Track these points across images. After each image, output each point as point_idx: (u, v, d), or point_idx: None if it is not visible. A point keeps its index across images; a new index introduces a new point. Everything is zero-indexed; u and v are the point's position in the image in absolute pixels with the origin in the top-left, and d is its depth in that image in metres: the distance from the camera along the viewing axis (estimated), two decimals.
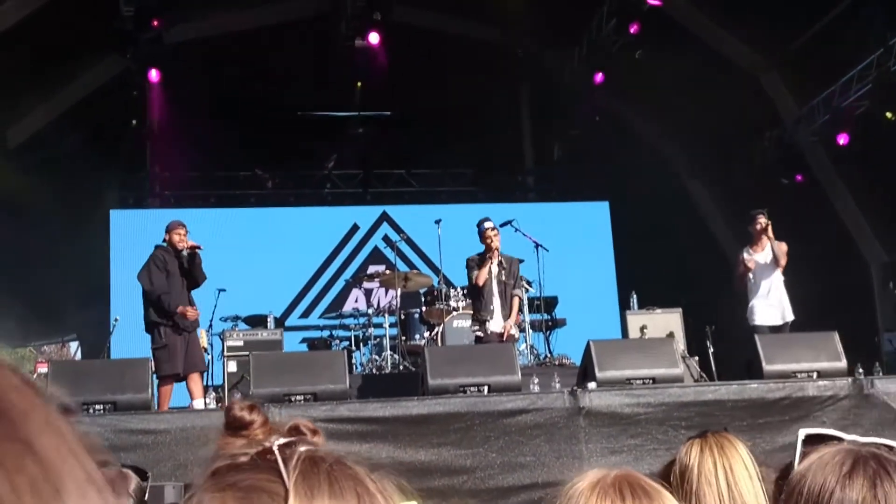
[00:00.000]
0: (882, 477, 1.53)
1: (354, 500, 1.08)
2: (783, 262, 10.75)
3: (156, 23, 14.07)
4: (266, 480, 1.08)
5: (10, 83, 14.17)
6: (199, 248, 10.09)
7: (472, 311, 10.98)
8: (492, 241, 10.51)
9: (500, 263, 10.58)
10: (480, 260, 10.61)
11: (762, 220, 10.79)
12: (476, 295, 10.64)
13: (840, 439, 1.75)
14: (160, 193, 17.43)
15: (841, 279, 14.33)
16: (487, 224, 10.65)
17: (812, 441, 1.76)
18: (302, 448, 1.15)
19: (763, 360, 9.07)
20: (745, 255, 10.92)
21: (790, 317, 10.77)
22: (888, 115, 13.39)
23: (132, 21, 13.73)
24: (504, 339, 10.43)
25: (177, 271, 10.00)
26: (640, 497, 1.53)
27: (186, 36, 15.69)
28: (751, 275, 10.85)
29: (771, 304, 10.81)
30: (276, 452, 1.13)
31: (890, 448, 1.75)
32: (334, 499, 1.07)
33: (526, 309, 12.35)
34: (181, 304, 9.88)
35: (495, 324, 10.49)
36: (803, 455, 1.73)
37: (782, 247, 10.75)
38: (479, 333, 10.51)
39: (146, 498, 3.17)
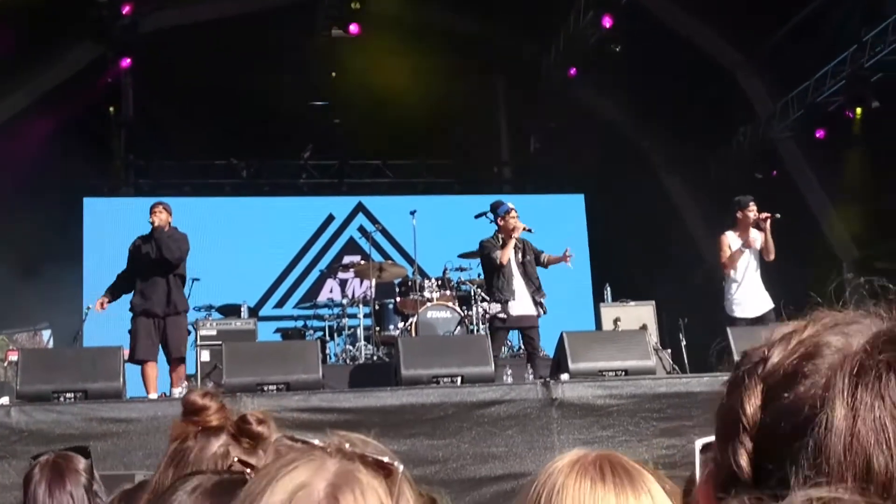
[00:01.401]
0: None
1: None
2: (772, 256, 10.41)
3: (127, 9, 13.98)
4: None
5: None
6: (153, 225, 9.96)
7: (488, 293, 10.80)
8: (517, 223, 10.44)
9: (516, 246, 10.57)
10: (497, 242, 10.53)
11: (755, 209, 10.45)
12: (497, 276, 10.45)
13: None
14: (135, 182, 17.34)
15: (813, 275, 14.43)
16: (511, 205, 10.64)
17: (709, 449, 1.74)
18: None
19: (735, 352, 9.09)
20: (731, 241, 10.52)
21: (771, 304, 10.53)
22: (858, 111, 13.47)
23: (106, 8, 13.64)
24: (535, 316, 10.41)
25: (145, 256, 9.91)
26: (621, 476, 1.53)
27: (162, 24, 15.59)
28: (732, 260, 10.49)
29: (751, 295, 10.55)
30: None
31: None
32: None
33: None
34: (146, 289, 9.81)
35: (518, 305, 10.37)
36: (704, 465, 1.72)
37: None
38: (502, 315, 10.28)
39: (94, 473, 3.17)
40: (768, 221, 10.36)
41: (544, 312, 10.56)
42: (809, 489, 0.83)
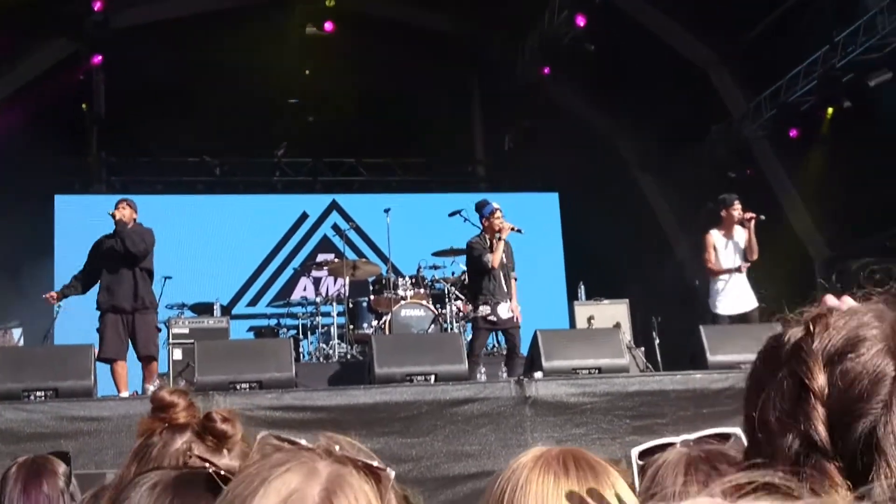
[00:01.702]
0: (713, 477, 1.54)
1: None
2: (756, 255, 10.45)
3: (98, 5, 13.89)
4: None
5: None
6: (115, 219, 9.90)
7: (472, 294, 10.73)
8: (503, 223, 10.38)
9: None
10: (485, 242, 10.45)
11: (740, 207, 10.49)
12: (487, 278, 10.35)
13: (671, 444, 1.74)
14: (107, 179, 17.22)
15: (785, 273, 14.51)
16: (496, 205, 10.56)
17: (648, 454, 1.74)
18: None
19: (707, 351, 9.14)
20: (716, 239, 10.59)
21: (755, 303, 10.55)
22: (829, 111, 13.55)
23: (78, 4, 13.55)
24: (516, 322, 10.39)
25: (109, 251, 9.85)
26: (585, 470, 1.52)
27: (135, 20, 15.50)
28: (717, 259, 10.55)
29: (736, 292, 10.56)
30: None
31: (722, 436, 1.75)
32: None
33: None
34: (112, 285, 9.76)
35: (505, 307, 10.32)
36: (642, 472, 1.72)
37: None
38: (493, 318, 10.20)
39: (72, 481, 3.17)
40: (753, 221, 10.41)
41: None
42: None
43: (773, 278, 13.25)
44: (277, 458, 1.13)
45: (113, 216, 9.86)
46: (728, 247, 10.65)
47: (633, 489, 1.63)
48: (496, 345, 12.58)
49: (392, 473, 1.17)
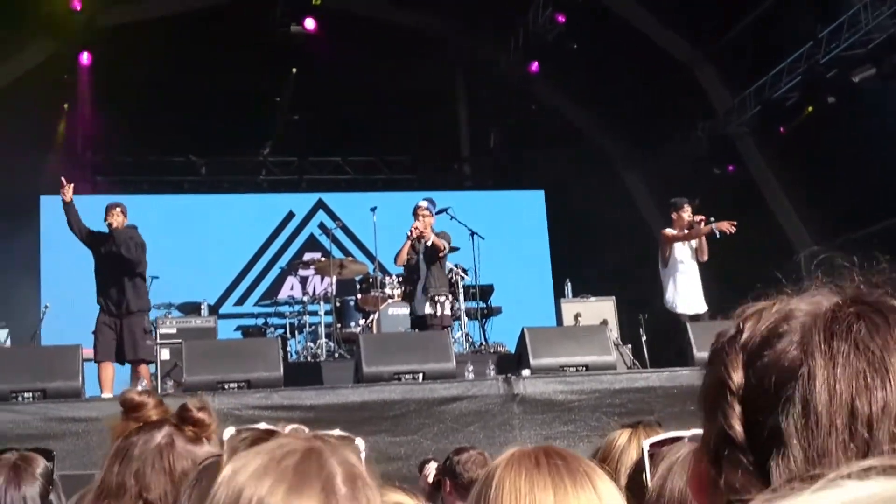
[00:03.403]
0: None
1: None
2: (706, 257, 10.69)
3: (78, 5, 13.85)
4: None
5: None
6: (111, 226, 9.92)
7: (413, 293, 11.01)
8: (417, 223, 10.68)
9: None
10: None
11: (689, 210, 10.71)
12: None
13: (680, 438, 1.79)
14: (92, 179, 17.15)
15: (771, 267, 14.53)
16: (420, 203, 10.86)
17: (656, 446, 1.79)
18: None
19: (694, 348, 9.17)
20: (670, 232, 10.80)
21: (705, 306, 10.75)
22: (809, 108, 13.59)
23: (61, 3, 13.51)
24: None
25: (108, 255, 9.85)
26: (557, 464, 1.54)
27: (119, 20, 15.44)
28: (673, 257, 10.77)
29: (691, 292, 10.74)
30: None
31: None
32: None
33: (461, 297, 12.40)
34: (106, 288, 9.77)
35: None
36: (653, 461, 1.75)
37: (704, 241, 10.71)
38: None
39: (54, 478, 3.16)
40: (702, 223, 10.57)
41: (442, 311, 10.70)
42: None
43: (759, 274, 13.24)
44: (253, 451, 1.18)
45: (109, 224, 9.87)
46: (682, 248, 10.84)
47: (645, 481, 1.67)
48: (483, 342, 12.60)
49: (362, 443, 1.22)
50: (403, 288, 11.75)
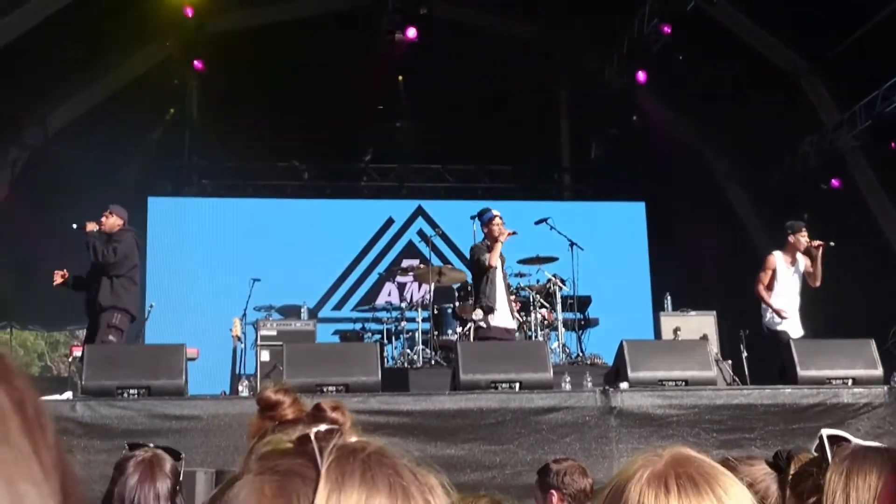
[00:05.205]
0: None
1: (386, 490, 1.11)
2: (818, 283, 10.43)
3: (190, 12, 14.18)
4: (301, 465, 1.13)
5: (53, 69, 14.30)
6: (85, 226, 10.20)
7: (473, 300, 10.93)
8: (502, 229, 10.57)
9: (500, 255, 10.68)
10: (485, 248, 10.67)
11: (806, 235, 10.44)
12: (485, 281, 10.60)
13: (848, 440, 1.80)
14: (198, 182, 17.53)
15: (879, 287, 14.19)
16: (496, 212, 10.79)
17: (831, 442, 1.80)
18: (341, 437, 1.22)
19: (798, 366, 8.98)
20: (777, 261, 10.56)
21: (802, 331, 10.53)
22: None
23: (173, 10, 13.85)
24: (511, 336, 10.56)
25: (92, 257, 10.13)
26: (687, 489, 1.51)
27: (228, 26, 15.77)
28: (777, 281, 10.55)
29: (793, 316, 10.57)
30: (314, 440, 1.17)
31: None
32: (365, 487, 1.10)
33: (559, 307, 12.36)
34: (92, 289, 10.04)
35: (500, 317, 10.52)
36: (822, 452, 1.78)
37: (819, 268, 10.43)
38: (482, 324, 10.46)
39: (181, 478, 3.26)
40: (821, 249, 10.31)
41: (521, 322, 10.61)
42: None
43: (869, 292, 12.98)
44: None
45: (100, 224, 10.18)
46: (789, 271, 10.60)
47: (822, 470, 1.66)
48: (580, 354, 12.52)
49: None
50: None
